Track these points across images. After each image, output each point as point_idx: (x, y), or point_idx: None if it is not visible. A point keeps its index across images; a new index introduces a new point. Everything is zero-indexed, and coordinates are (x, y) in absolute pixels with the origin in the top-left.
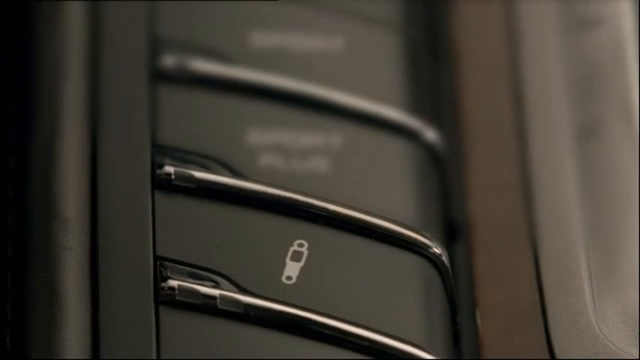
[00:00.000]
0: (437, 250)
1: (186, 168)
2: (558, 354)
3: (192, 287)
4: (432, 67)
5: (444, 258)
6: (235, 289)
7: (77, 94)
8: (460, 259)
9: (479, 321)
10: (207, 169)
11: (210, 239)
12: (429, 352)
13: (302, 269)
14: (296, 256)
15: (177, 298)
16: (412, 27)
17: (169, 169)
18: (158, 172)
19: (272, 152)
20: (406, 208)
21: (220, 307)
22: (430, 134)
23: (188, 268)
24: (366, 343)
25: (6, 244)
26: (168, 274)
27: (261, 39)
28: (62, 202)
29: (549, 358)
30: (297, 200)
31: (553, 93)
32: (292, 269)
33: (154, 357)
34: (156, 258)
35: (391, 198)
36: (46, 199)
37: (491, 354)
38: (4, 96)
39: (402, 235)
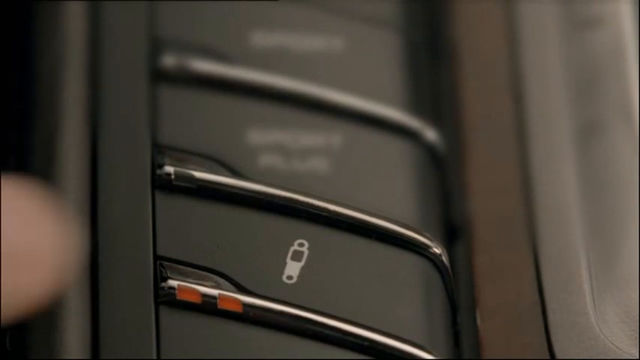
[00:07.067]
0: (437, 250)
1: (186, 168)
2: (558, 354)
3: (192, 287)
4: (432, 66)
5: (443, 258)
6: (235, 289)
7: (77, 93)
8: (460, 259)
9: (479, 321)
10: (207, 169)
11: (210, 239)
12: (429, 352)
13: (303, 269)
14: (297, 256)
15: (177, 297)
16: (412, 27)
17: (169, 169)
18: (158, 172)
19: (272, 152)
20: (406, 208)
21: (220, 307)
22: (430, 134)
23: (188, 268)
24: (367, 343)
25: None
26: (168, 274)
27: (262, 39)
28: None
29: (549, 358)
30: (297, 200)
31: (553, 93)
32: (293, 269)
33: (154, 357)
34: (156, 258)
35: (391, 198)
36: None
37: (491, 354)
38: (4, 96)
39: (402, 235)
